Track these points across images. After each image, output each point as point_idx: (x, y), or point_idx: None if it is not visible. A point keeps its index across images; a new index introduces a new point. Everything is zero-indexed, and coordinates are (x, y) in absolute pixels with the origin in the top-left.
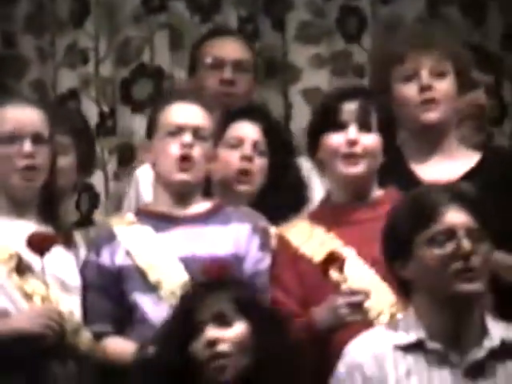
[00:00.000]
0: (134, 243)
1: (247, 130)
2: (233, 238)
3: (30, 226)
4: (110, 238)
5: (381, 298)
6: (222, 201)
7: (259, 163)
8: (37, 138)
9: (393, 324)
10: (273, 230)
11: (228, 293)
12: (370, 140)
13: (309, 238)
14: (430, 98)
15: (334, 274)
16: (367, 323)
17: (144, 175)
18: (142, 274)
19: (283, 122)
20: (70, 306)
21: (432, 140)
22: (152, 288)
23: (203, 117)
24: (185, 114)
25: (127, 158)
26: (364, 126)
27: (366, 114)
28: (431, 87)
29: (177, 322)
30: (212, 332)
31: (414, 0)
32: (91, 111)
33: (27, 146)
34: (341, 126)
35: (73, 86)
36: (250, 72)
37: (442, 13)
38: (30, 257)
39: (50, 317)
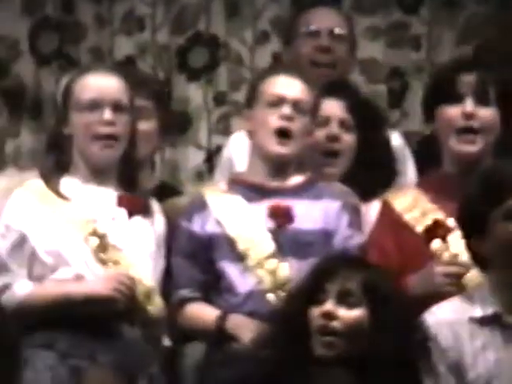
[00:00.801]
0: (225, 212)
1: (333, 108)
2: (323, 213)
3: (110, 193)
4: (202, 206)
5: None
6: (314, 176)
7: (347, 140)
8: (117, 106)
9: (468, 297)
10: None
11: (360, 275)
12: (488, 114)
13: (413, 207)
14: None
15: (436, 242)
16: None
17: (237, 142)
18: (231, 243)
19: None
20: (144, 271)
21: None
22: (240, 257)
23: (304, 90)
24: (286, 86)
25: (183, 125)
26: (482, 100)
27: (484, 87)
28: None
29: (306, 284)
30: (330, 306)
31: None
32: None
33: (107, 114)
34: (457, 99)
35: (129, 53)
36: (346, 42)
37: None
38: (107, 223)
39: (121, 281)
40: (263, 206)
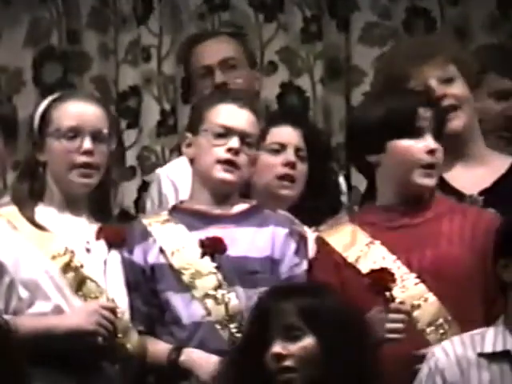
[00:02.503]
0: (168, 242)
1: (290, 136)
2: (269, 241)
3: (82, 222)
4: (144, 235)
5: (428, 309)
6: (259, 203)
7: (301, 169)
8: (97, 135)
9: (481, 333)
10: (312, 234)
11: (298, 304)
12: (441, 150)
13: (352, 244)
14: (449, 106)
15: (382, 291)
16: (414, 334)
17: (165, 175)
18: (176, 274)
19: (345, 125)
20: (121, 305)
21: (459, 146)
22: (185, 288)
23: (252, 122)
24: (234, 116)
25: None
26: (437, 135)
27: (440, 123)
28: (446, 95)
29: (251, 332)
30: (278, 347)
31: (484, 0)
32: (153, 109)
33: (87, 143)
34: (416, 134)
35: (134, 83)
36: (242, 68)
37: None
38: (82, 253)
39: (103, 314)
40: (206, 234)
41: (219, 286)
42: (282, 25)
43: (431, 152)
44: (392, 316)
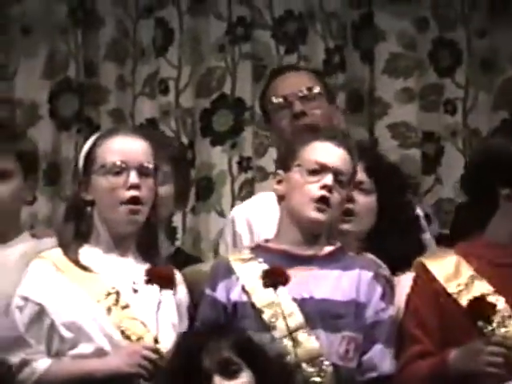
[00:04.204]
0: (251, 280)
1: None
2: (354, 284)
3: (129, 262)
4: (227, 273)
5: None
6: (344, 246)
7: (363, 202)
8: (142, 170)
9: None
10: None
11: (229, 339)
12: None
13: (455, 275)
14: None
15: (480, 323)
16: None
17: (240, 215)
18: (257, 313)
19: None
20: (167, 345)
21: None
22: (265, 327)
23: (347, 161)
24: (329, 153)
25: (206, 191)
26: None
27: None
28: None
29: (181, 369)
30: (219, 383)
31: None
32: None
33: (133, 178)
34: None
35: (152, 115)
36: (321, 101)
37: None
38: (128, 293)
39: (146, 356)
40: (292, 275)
41: (300, 328)
42: (303, 56)
43: None
44: (492, 348)
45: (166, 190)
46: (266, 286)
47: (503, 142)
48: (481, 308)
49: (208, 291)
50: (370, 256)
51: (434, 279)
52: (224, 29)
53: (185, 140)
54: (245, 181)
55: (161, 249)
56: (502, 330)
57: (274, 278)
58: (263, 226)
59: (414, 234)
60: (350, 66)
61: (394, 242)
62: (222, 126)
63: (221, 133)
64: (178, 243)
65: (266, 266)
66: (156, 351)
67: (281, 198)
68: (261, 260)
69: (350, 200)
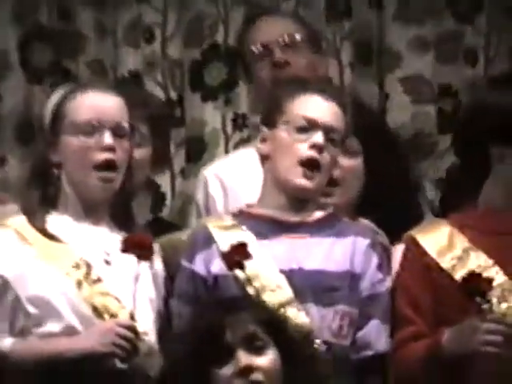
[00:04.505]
0: (246, 242)
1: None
2: (348, 253)
3: (102, 231)
4: (206, 242)
5: None
6: (337, 211)
7: (348, 166)
8: (117, 130)
9: None
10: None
11: (254, 313)
12: None
13: (448, 248)
14: None
15: (478, 299)
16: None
17: (213, 175)
18: (241, 286)
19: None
20: (145, 324)
21: None
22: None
23: (340, 116)
24: (320, 108)
25: (197, 152)
26: None
27: None
28: None
29: (202, 341)
30: (244, 359)
31: None
32: None
33: (108, 138)
34: None
35: (135, 67)
36: (306, 49)
37: None
38: (100, 266)
39: (122, 334)
40: (277, 243)
41: (289, 303)
42: (303, 1)
43: None
44: (489, 326)
45: (142, 152)
46: (230, 269)
47: (495, 94)
48: (476, 283)
49: (185, 263)
50: (366, 222)
51: (425, 253)
52: None
53: (173, 95)
54: (240, 140)
55: (136, 216)
56: (503, 305)
57: (233, 258)
58: (240, 187)
59: (412, 203)
60: (356, 12)
61: (387, 214)
62: (215, 79)
63: (213, 87)
64: (166, 210)
65: (251, 236)
66: (132, 329)
67: (265, 159)
68: (244, 228)
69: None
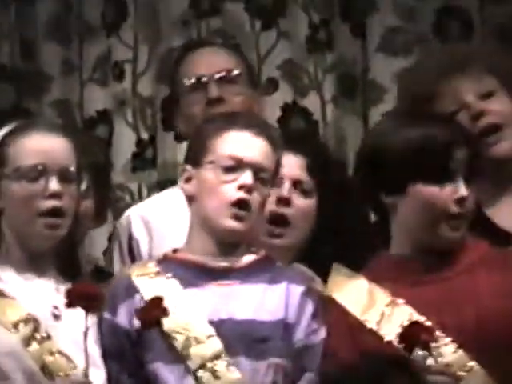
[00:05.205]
0: (162, 296)
1: (287, 165)
2: (282, 302)
3: (48, 284)
4: (129, 292)
5: (471, 382)
6: (270, 254)
7: (302, 206)
8: (64, 175)
9: None
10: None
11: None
12: (472, 196)
13: (370, 305)
14: (489, 125)
15: (418, 351)
16: None
17: (137, 216)
18: (166, 340)
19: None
20: (96, 380)
21: (506, 176)
22: (177, 357)
23: (269, 154)
24: (249, 146)
25: None
26: (467, 177)
27: (473, 162)
28: (484, 112)
29: None
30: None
31: None
32: (127, 138)
33: (54, 185)
34: (446, 177)
35: (104, 106)
36: (242, 85)
37: None
38: (49, 321)
39: None
40: (205, 291)
41: (219, 356)
42: (284, 33)
43: (461, 201)
44: (434, 378)
45: (85, 206)
46: (142, 327)
47: (381, 138)
48: (417, 334)
49: (107, 315)
50: (301, 267)
51: (347, 313)
52: (187, 0)
53: (144, 135)
54: None
55: (82, 266)
56: (439, 358)
57: (147, 316)
58: (167, 229)
59: (364, 247)
60: (338, 44)
61: (334, 257)
62: None
63: None
64: None
65: (176, 284)
66: None
67: (191, 199)
68: (169, 275)
69: (287, 203)
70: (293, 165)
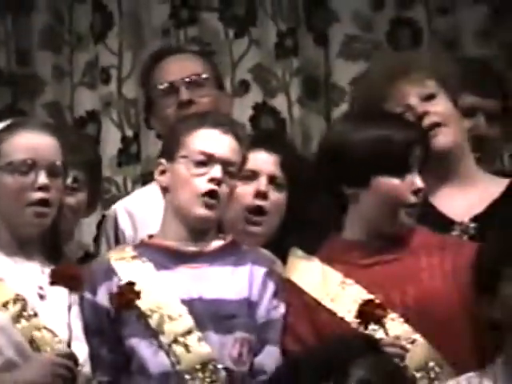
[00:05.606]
0: (134, 281)
1: (264, 163)
2: (246, 282)
3: (34, 266)
4: (108, 274)
5: (416, 352)
6: (236, 239)
7: (276, 199)
8: (52, 170)
9: (479, 375)
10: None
11: (373, 362)
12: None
13: (324, 285)
14: (432, 124)
15: (372, 326)
16: None
17: (123, 208)
18: (142, 317)
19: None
20: (80, 355)
21: (447, 167)
22: (152, 333)
23: (236, 150)
24: (218, 143)
25: None
26: (420, 170)
27: (425, 157)
28: (427, 113)
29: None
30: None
31: (476, 8)
32: (113, 136)
33: (42, 179)
34: (404, 171)
35: (92, 107)
36: (210, 87)
37: (508, 23)
38: (35, 300)
39: (61, 363)
40: (177, 273)
41: (190, 332)
42: (255, 40)
43: (418, 191)
44: (388, 350)
45: (78, 197)
46: (116, 309)
47: (342, 132)
48: (371, 311)
49: (87, 295)
50: (263, 250)
51: (303, 292)
52: (167, 11)
53: (129, 133)
54: None
55: (65, 251)
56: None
57: (120, 299)
58: (150, 220)
59: (324, 236)
60: (303, 50)
61: (298, 244)
62: None
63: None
64: None
65: (150, 266)
66: (70, 357)
67: (165, 190)
68: (145, 259)
69: (264, 197)
70: (269, 162)
